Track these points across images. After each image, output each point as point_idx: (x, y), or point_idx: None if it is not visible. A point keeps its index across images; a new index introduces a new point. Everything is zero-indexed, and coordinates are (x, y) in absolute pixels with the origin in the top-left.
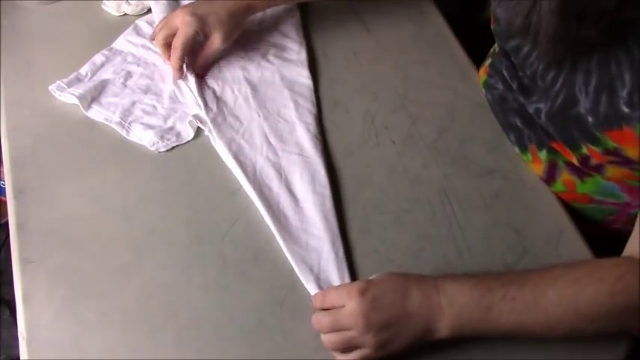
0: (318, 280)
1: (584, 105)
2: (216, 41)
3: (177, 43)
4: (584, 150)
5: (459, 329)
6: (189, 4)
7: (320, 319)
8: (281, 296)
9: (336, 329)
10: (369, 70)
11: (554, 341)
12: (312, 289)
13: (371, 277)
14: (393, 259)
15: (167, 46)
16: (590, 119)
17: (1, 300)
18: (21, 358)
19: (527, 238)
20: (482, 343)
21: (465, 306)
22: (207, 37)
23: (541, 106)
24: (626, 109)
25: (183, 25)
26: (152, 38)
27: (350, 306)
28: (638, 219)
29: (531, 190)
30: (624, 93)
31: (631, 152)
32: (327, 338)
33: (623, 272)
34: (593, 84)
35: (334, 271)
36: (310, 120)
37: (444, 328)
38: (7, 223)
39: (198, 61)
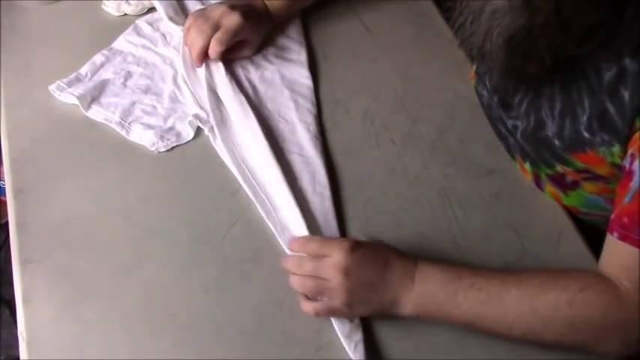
0: None
1: (550, 129)
2: (248, 49)
3: (223, 37)
4: (559, 169)
5: (423, 308)
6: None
7: (302, 263)
8: (281, 296)
9: (314, 275)
10: (369, 70)
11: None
12: None
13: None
14: None
15: (208, 42)
16: (557, 142)
17: (1, 300)
18: (21, 358)
19: (527, 238)
20: (483, 342)
21: (433, 286)
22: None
23: (518, 124)
24: (587, 135)
25: (234, 23)
26: (187, 29)
27: (336, 258)
28: (607, 237)
29: (531, 190)
30: (584, 118)
31: (601, 170)
32: (302, 281)
33: (586, 285)
34: (558, 108)
35: None
36: (310, 120)
37: (408, 303)
38: (7, 223)
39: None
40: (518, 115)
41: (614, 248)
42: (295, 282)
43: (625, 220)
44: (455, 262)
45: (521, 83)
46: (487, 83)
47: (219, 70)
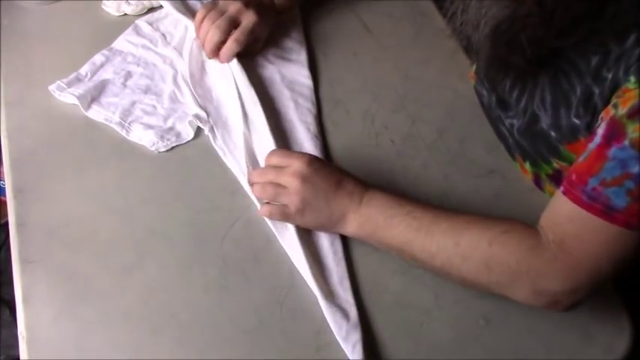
0: (318, 278)
1: (545, 121)
2: (258, 46)
3: (242, 38)
4: (555, 165)
5: (362, 227)
6: None
7: (265, 172)
8: (281, 296)
9: (274, 182)
10: (369, 70)
11: (436, 274)
12: (313, 287)
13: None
14: (393, 259)
15: (226, 37)
16: (553, 134)
17: (1, 300)
18: (21, 358)
19: None
20: (483, 342)
21: (375, 209)
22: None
23: (514, 122)
24: (576, 121)
25: (255, 23)
26: (199, 21)
27: (295, 167)
28: (552, 197)
29: (531, 190)
30: (574, 106)
31: None
32: (263, 188)
33: (510, 229)
34: (549, 100)
35: (334, 270)
36: (310, 120)
37: (353, 221)
38: (7, 223)
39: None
40: (515, 113)
41: (555, 201)
42: (256, 189)
43: (573, 176)
44: (405, 195)
45: (507, 74)
46: (486, 83)
47: (220, 70)
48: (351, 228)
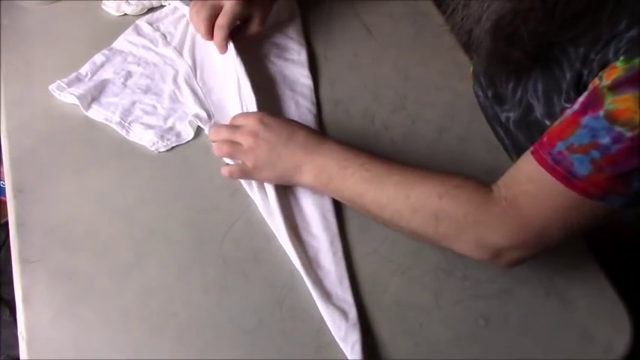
0: (318, 278)
1: (538, 110)
2: (255, 24)
3: (224, 23)
4: None
5: (319, 180)
6: None
7: (220, 131)
8: (281, 296)
9: (230, 140)
10: (370, 70)
11: (386, 226)
12: (312, 287)
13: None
14: (392, 259)
15: (210, 25)
16: (547, 122)
17: (1, 300)
18: (21, 358)
19: None
20: (483, 343)
21: (329, 159)
22: (247, 18)
23: (510, 114)
24: (567, 105)
25: (231, 4)
26: (191, 18)
27: (248, 125)
28: (525, 153)
29: None
30: (565, 91)
31: None
32: (219, 146)
33: (462, 184)
34: (541, 89)
35: (332, 270)
36: (310, 120)
37: (308, 174)
38: (7, 223)
39: (235, 41)
40: (511, 106)
41: (522, 160)
42: (214, 148)
43: (545, 138)
44: (362, 148)
45: (506, 68)
46: (482, 81)
47: (220, 70)
48: (306, 179)
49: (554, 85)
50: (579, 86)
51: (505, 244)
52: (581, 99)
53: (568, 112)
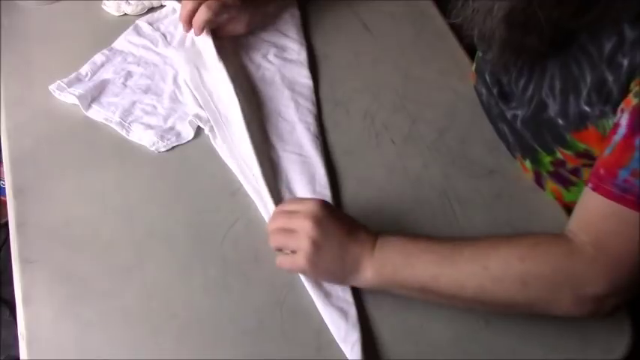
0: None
1: (553, 108)
2: (239, 26)
3: (213, 3)
4: (559, 155)
5: (382, 274)
6: None
7: (276, 218)
8: (281, 296)
9: (285, 228)
10: (370, 70)
11: (468, 307)
12: (310, 288)
13: None
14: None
15: (192, 14)
16: (560, 122)
17: (1, 300)
18: (21, 358)
19: None
20: (483, 343)
21: (389, 251)
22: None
23: (518, 112)
24: (587, 108)
25: (216, 4)
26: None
27: (307, 209)
28: (580, 198)
29: (531, 190)
30: (585, 93)
31: (599, 153)
32: (274, 236)
33: (539, 241)
34: (558, 87)
35: None
36: (310, 120)
37: (369, 271)
38: (7, 223)
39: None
40: (519, 104)
41: (585, 200)
42: (271, 239)
43: (601, 171)
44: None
45: (520, 58)
46: (487, 78)
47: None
48: (367, 276)
49: (571, 84)
50: (602, 91)
51: (605, 291)
52: (624, 122)
53: (616, 138)
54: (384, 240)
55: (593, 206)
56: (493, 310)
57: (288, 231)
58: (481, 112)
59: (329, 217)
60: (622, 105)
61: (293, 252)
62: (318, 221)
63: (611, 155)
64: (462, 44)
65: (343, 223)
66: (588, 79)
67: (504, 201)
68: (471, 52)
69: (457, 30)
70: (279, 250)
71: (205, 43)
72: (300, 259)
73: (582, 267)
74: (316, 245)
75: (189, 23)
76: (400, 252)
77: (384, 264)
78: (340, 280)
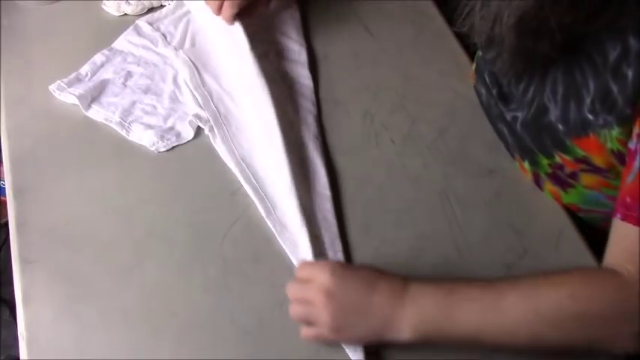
0: None
1: (553, 113)
2: (262, 5)
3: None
4: (557, 159)
5: (422, 330)
6: None
7: (291, 288)
8: (281, 296)
9: (301, 300)
10: (370, 70)
11: (524, 352)
12: None
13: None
14: (393, 259)
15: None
16: (560, 127)
17: (1, 300)
18: (21, 358)
19: (527, 238)
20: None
21: (426, 305)
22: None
23: (518, 114)
24: (590, 116)
25: None
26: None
27: (319, 280)
28: (612, 222)
29: (531, 190)
30: (588, 100)
31: (598, 160)
32: (293, 307)
33: (585, 277)
34: (560, 92)
35: None
36: (310, 120)
37: (406, 327)
38: (7, 223)
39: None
40: (519, 106)
41: (618, 232)
42: (290, 310)
43: (628, 199)
44: (446, 278)
45: (531, 64)
46: (487, 79)
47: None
48: (404, 333)
49: (573, 91)
50: (606, 101)
51: None
52: None
53: (636, 164)
54: (415, 290)
55: (628, 236)
56: (547, 353)
57: (306, 302)
58: (481, 112)
59: (342, 283)
60: (637, 129)
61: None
62: (331, 293)
63: (634, 182)
64: (462, 44)
65: (361, 282)
66: (592, 88)
67: (504, 201)
68: (470, 52)
69: (460, 35)
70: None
71: (236, 34)
72: (325, 332)
73: (637, 299)
74: (335, 316)
75: (220, 9)
76: (437, 304)
77: (422, 320)
78: (375, 338)
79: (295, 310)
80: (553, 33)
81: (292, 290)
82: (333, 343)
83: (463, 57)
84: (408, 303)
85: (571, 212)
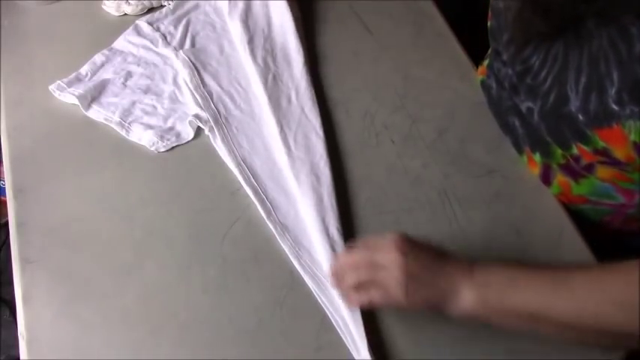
0: (318, 279)
1: (574, 103)
2: None
3: None
4: (575, 150)
5: (484, 297)
6: None
7: (353, 256)
8: (281, 296)
9: (368, 265)
10: (370, 70)
11: (585, 336)
12: (313, 287)
13: None
14: None
15: None
16: (580, 117)
17: (1, 300)
18: (21, 358)
19: (528, 238)
20: (482, 343)
21: (493, 273)
22: None
23: (531, 104)
24: (615, 107)
25: None
26: None
27: (391, 242)
28: None
29: (531, 190)
30: (613, 92)
31: (619, 153)
32: (355, 271)
33: None
34: (583, 82)
35: None
36: (310, 120)
37: (469, 294)
38: (7, 223)
39: None
40: (529, 97)
41: None
42: (349, 281)
43: None
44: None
45: (532, 39)
46: (501, 70)
47: (220, 70)
48: (467, 301)
49: (595, 81)
50: (635, 91)
51: None
52: None
53: None
54: (482, 264)
55: None
56: (607, 340)
57: (373, 265)
58: (481, 111)
59: (415, 245)
60: None
61: (373, 289)
62: (405, 252)
63: None
64: (461, 44)
65: (430, 249)
66: (615, 78)
67: (504, 201)
68: (470, 52)
69: (457, 31)
70: (353, 288)
71: (236, 34)
72: (396, 292)
73: None
74: (409, 275)
75: None
76: (505, 275)
77: (487, 288)
78: (437, 306)
79: (363, 272)
80: (548, 10)
81: (356, 257)
82: (388, 307)
83: (463, 57)
84: (476, 273)
85: (572, 210)
